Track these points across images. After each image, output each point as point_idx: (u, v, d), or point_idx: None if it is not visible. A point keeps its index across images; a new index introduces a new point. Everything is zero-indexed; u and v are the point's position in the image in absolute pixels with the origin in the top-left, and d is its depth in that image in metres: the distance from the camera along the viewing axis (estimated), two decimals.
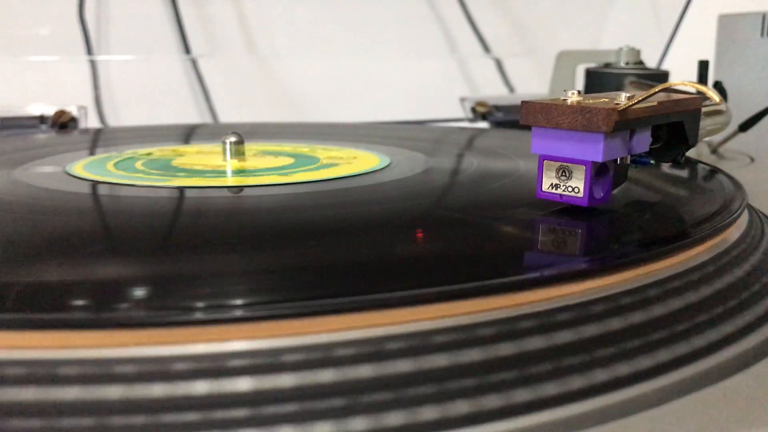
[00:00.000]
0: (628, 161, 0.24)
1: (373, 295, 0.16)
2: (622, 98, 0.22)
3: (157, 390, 0.14)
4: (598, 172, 0.22)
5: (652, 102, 0.22)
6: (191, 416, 0.14)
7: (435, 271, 0.18)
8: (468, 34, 0.73)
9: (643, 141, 0.23)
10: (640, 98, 0.21)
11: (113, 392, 0.14)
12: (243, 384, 0.14)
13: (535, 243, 0.21)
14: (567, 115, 0.21)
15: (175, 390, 0.14)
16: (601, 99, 0.23)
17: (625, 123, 0.21)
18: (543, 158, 0.23)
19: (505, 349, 0.16)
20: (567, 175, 0.22)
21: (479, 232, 0.22)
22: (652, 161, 0.24)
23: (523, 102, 0.22)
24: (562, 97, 0.23)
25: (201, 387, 0.14)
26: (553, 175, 0.22)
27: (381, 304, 0.16)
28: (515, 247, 0.21)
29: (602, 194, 0.23)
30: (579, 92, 0.23)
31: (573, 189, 0.22)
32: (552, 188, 0.23)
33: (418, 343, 0.15)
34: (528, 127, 0.23)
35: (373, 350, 0.15)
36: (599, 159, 0.21)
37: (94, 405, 0.14)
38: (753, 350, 0.18)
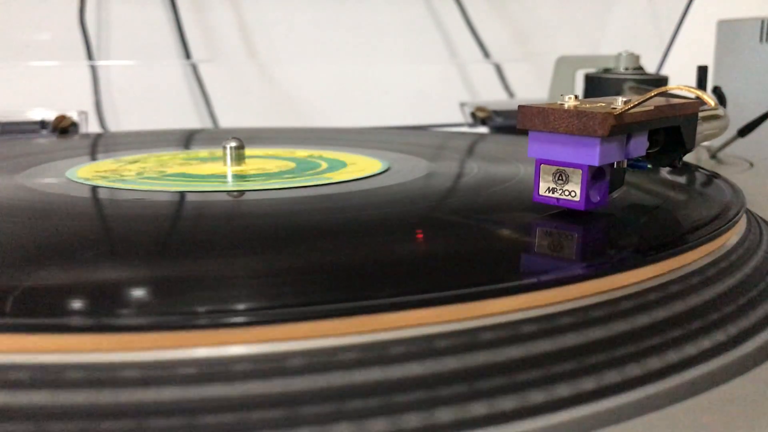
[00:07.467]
0: (625, 165, 0.24)
1: (372, 301, 0.16)
2: (619, 103, 0.22)
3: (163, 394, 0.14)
4: (594, 176, 0.22)
5: (649, 106, 0.23)
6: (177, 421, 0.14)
7: (432, 276, 0.18)
8: (468, 39, 0.73)
9: (639, 145, 0.23)
10: (637, 102, 0.21)
11: (105, 397, 0.14)
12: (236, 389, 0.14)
13: (531, 247, 0.21)
14: (563, 119, 0.21)
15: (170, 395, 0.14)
16: (598, 103, 0.23)
17: (621, 127, 0.21)
18: (540, 162, 0.23)
19: (488, 355, 0.16)
20: (564, 179, 0.22)
21: (473, 235, 0.22)
22: (649, 165, 0.24)
23: (519, 106, 0.22)
24: (559, 102, 0.23)
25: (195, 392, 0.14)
26: (550, 179, 0.22)
27: (380, 309, 0.16)
28: (510, 251, 0.21)
29: (599, 198, 0.23)
30: (576, 96, 0.23)
31: (570, 193, 0.22)
32: (549, 192, 0.23)
33: (425, 346, 0.15)
34: (527, 132, 0.23)
35: (377, 354, 0.15)
36: (595, 163, 0.21)
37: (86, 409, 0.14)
38: (752, 354, 0.18)
